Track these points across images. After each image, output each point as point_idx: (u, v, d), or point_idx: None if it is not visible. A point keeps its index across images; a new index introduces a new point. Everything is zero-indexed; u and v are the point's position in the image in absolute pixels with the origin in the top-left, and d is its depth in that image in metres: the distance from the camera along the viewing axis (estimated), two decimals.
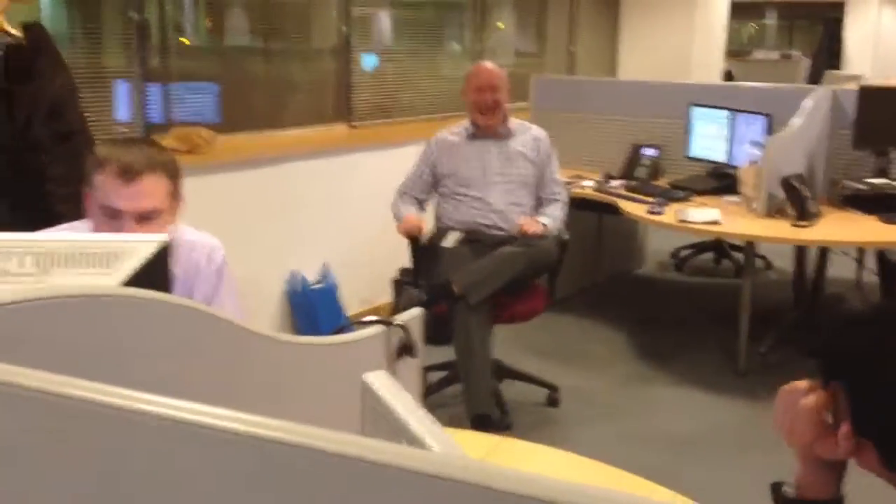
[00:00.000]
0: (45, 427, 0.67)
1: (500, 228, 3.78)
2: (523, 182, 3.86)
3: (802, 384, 1.34)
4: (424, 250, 3.82)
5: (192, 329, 1.05)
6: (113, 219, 1.86)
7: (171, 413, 0.65)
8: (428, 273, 3.71)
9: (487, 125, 3.84)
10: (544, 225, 3.75)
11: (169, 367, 1.03)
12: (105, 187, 1.86)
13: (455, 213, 3.83)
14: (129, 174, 1.85)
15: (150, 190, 1.88)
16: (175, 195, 1.96)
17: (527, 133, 3.95)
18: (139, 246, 1.10)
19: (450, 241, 3.76)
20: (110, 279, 1.05)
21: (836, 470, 1.28)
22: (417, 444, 0.79)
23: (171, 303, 1.02)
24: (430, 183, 3.94)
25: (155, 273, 1.11)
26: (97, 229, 1.89)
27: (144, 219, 1.87)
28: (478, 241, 3.73)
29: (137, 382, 0.99)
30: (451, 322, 3.51)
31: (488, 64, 3.94)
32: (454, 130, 3.95)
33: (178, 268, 1.95)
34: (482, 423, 3.40)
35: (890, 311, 1.26)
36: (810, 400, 1.29)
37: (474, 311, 3.45)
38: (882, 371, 1.17)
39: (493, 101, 3.80)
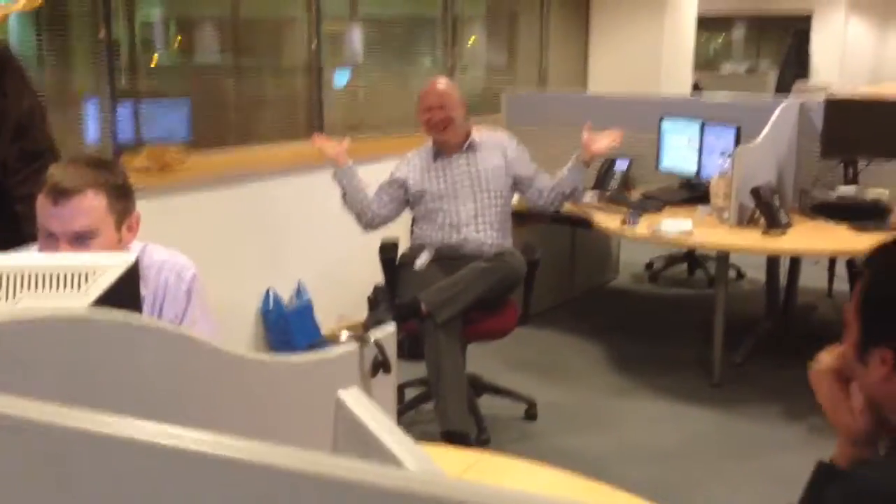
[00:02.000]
0: (13, 452, 0.66)
1: (470, 245, 3.77)
2: (497, 194, 3.85)
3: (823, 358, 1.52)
4: (397, 269, 3.81)
5: (162, 350, 1.04)
6: (49, 239, 1.84)
7: (142, 437, 0.64)
8: (401, 291, 3.69)
9: (443, 141, 3.83)
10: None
11: (139, 389, 1.02)
12: (40, 208, 1.84)
13: (428, 231, 3.82)
14: (57, 194, 1.82)
15: (81, 209, 1.83)
16: (120, 213, 1.92)
17: (490, 140, 3.92)
18: (107, 266, 1.09)
19: (420, 262, 3.75)
20: (79, 301, 1.03)
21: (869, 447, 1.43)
22: (392, 461, 0.78)
23: (140, 324, 1.01)
24: (396, 194, 3.88)
25: (124, 293, 1.10)
26: (40, 249, 1.86)
27: (78, 239, 1.83)
28: (448, 258, 3.71)
29: (107, 404, 0.98)
30: (422, 341, 3.50)
31: (440, 82, 3.89)
32: (418, 152, 3.94)
33: (146, 288, 1.93)
34: (453, 439, 3.38)
35: None
36: (824, 363, 1.51)
37: (443, 330, 3.44)
38: None
39: (441, 119, 3.78)
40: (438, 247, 3.77)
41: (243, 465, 0.59)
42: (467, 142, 3.87)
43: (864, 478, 1.23)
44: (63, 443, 0.65)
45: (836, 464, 1.44)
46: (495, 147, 3.90)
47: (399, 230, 4.02)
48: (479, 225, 3.79)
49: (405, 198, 3.89)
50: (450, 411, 3.45)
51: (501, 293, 3.67)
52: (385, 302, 3.84)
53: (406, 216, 4.03)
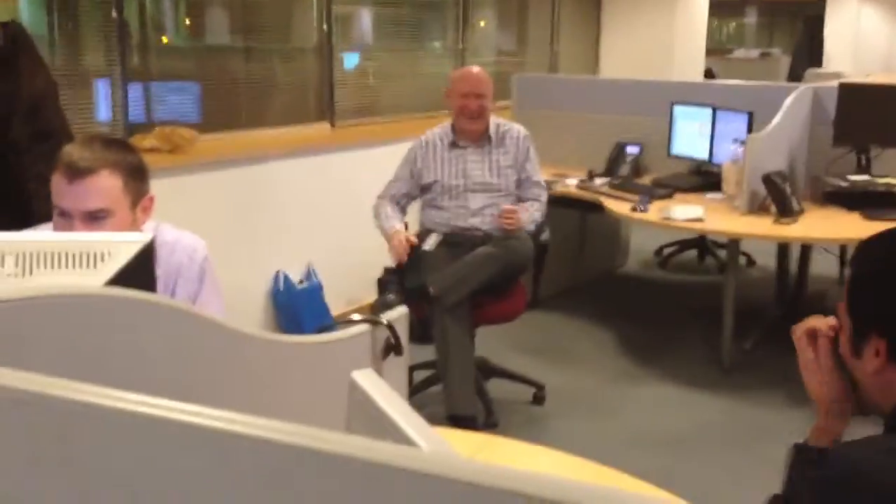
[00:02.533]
0: (29, 427, 0.66)
1: (479, 230, 3.77)
2: (507, 193, 3.84)
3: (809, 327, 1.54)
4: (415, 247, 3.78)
5: (176, 329, 1.04)
6: (62, 217, 1.84)
7: (159, 413, 0.64)
8: (409, 274, 3.69)
9: (471, 130, 3.80)
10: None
11: (153, 368, 1.02)
12: (54, 186, 1.83)
13: (436, 218, 3.81)
14: (73, 173, 1.81)
15: (97, 189, 1.83)
16: (135, 194, 1.92)
17: (506, 136, 3.88)
18: (123, 246, 1.09)
19: (429, 244, 3.74)
20: (94, 279, 1.03)
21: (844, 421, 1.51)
22: (407, 442, 0.78)
23: (155, 302, 1.01)
24: (413, 185, 3.88)
25: (139, 273, 1.10)
26: (55, 228, 1.86)
27: (92, 219, 1.83)
28: (457, 243, 3.71)
29: (121, 382, 0.98)
30: (431, 324, 3.50)
31: (475, 68, 3.87)
32: (436, 135, 3.88)
33: (159, 268, 1.93)
34: (458, 422, 3.39)
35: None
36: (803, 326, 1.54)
37: (451, 313, 3.45)
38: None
39: (478, 108, 3.75)
40: (447, 231, 3.76)
41: (256, 441, 0.59)
42: (486, 133, 3.84)
43: (848, 459, 1.25)
44: (70, 416, 0.66)
45: (812, 444, 1.51)
46: (511, 145, 3.88)
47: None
48: (485, 217, 3.78)
49: (418, 186, 3.88)
50: (456, 395, 3.46)
51: (509, 277, 3.67)
52: (394, 285, 3.84)
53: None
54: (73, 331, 0.95)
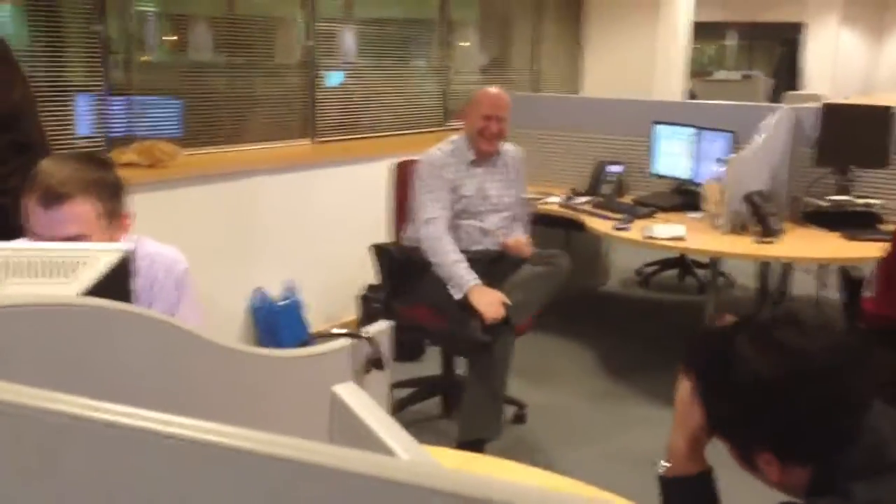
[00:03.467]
0: (10, 438, 0.64)
1: (489, 250, 3.77)
2: (511, 211, 3.85)
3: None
4: (406, 266, 3.72)
5: (154, 340, 1.02)
6: (36, 239, 1.81)
7: (144, 424, 0.63)
8: (430, 292, 3.61)
9: (489, 151, 3.76)
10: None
11: (130, 379, 1.00)
12: (29, 210, 1.80)
13: (456, 240, 3.68)
14: (48, 200, 1.78)
15: (72, 216, 1.80)
16: (111, 215, 1.89)
17: (506, 154, 3.90)
18: (100, 255, 1.07)
19: None
20: (69, 289, 1.01)
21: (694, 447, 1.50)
22: (390, 455, 0.76)
23: (131, 313, 0.99)
24: (452, 201, 3.72)
25: (116, 283, 1.08)
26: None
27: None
28: (472, 260, 3.66)
29: (97, 394, 0.96)
30: (492, 346, 3.43)
31: (496, 90, 3.80)
32: (447, 152, 3.75)
33: (138, 280, 1.90)
34: (477, 445, 3.42)
35: (744, 321, 1.39)
36: (684, 388, 1.51)
37: (511, 333, 3.47)
38: (724, 373, 1.34)
39: (499, 130, 3.72)
40: (462, 250, 3.65)
41: (240, 452, 0.57)
42: (498, 152, 3.84)
43: None
44: (53, 428, 0.64)
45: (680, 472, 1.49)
46: (511, 163, 3.90)
47: (380, 230, 3.98)
48: (496, 238, 3.78)
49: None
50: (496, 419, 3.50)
51: (555, 294, 3.69)
52: (380, 301, 3.80)
53: (384, 216, 3.97)
54: (49, 341, 0.93)
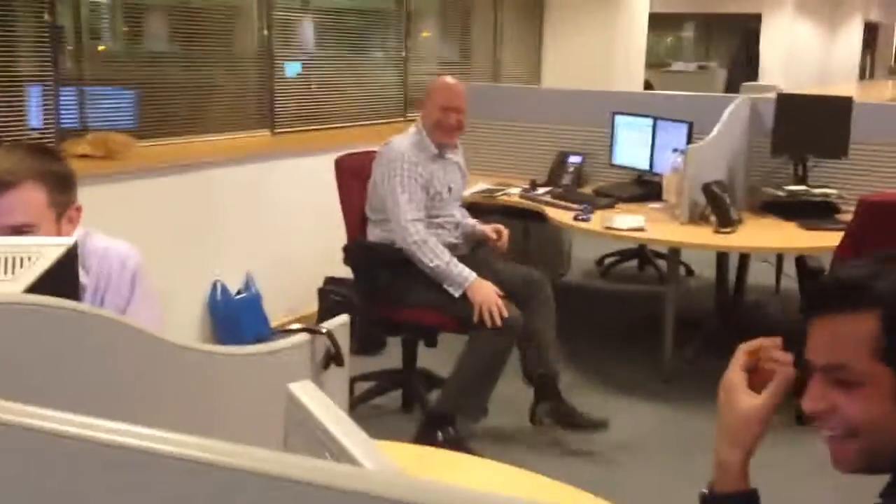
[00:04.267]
0: None
1: (463, 243, 3.76)
2: (459, 194, 3.84)
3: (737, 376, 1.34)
4: (399, 269, 3.58)
5: (102, 339, 0.99)
6: None
7: (77, 432, 0.60)
8: (417, 292, 3.55)
9: (447, 143, 3.69)
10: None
11: (78, 380, 0.96)
12: None
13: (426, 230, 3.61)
14: None
15: (21, 203, 1.75)
16: (61, 206, 1.84)
17: (458, 150, 3.88)
18: (44, 250, 1.03)
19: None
20: (13, 286, 0.98)
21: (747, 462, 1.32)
22: (345, 457, 0.74)
23: (78, 311, 0.96)
24: (425, 199, 3.65)
25: (61, 279, 1.04)
26: None
27: (15, 234, 1.74)
28: (457, 255, 3.59)
29: (43, 397, 0.93)
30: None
31: (452, 80, 3.73)
32: (407, 145, 3.64)
33: (89, 276, 1.86)
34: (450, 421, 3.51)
35: None
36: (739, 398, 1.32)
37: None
38: None
39: (457, 122, 3.65)
40: (446, 247, 3.59)
41: (195, 462, 0.55)
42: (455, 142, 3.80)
43: None
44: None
45: (724, 488, 1.33)
46: (461, 153, 3.88)
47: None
48: (463, 230, 3.77)
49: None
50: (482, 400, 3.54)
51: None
52: (342, 295, 3.77)
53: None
54: None
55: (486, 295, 3.39)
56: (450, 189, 3.73)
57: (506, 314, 3.37)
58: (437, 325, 3.63)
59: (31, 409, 0.63)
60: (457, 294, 3.43)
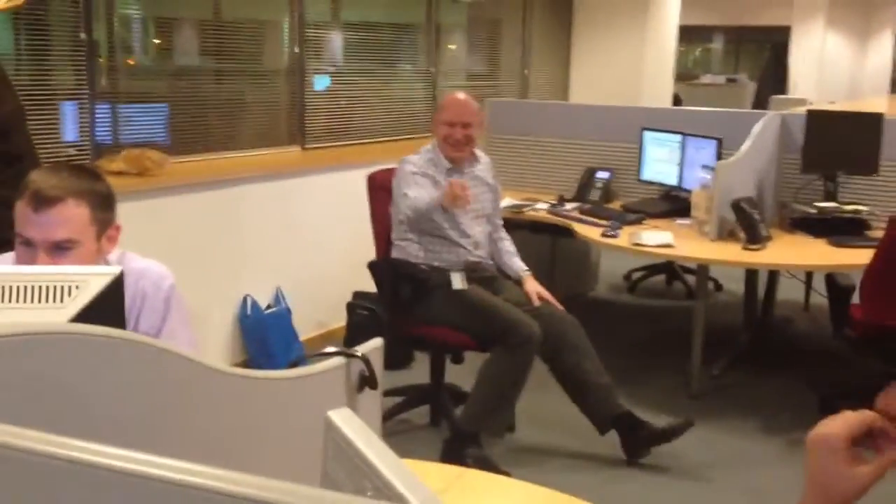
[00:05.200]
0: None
1: (488, 262, 3.78)
2: (485, 211, 3.83)
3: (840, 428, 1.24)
4: (425, 290, 3.63)
5: (146, 366, 1.01)
6: (26, 247, 1.79)
7: (121, 465, 0.62)
8: (445, 312, 3.59)
9: (456, 158, 3.72)
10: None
11: (121, 407, 0.99)
12: (19, 215, 1.79)
13: (448, 255, 3.67)
14: (39, 202, 1.76)
15: (64, 219, 1.79)
16: (102, 224, 1.88)
17: (484, 164, 3.88)
18: (91, 279, 1.06)
19: (458, 282, 3.62)
20: (60, 314, 1.00)
21: None
22: (387, 487, 0.76)
23: (124, 339, 0.98)
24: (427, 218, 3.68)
25: (107, 307, 1.07)
26: (17, 259, 1.82)
27: (57, 249, 1.79)
28: (482, 279, 3.65)
29: (90, 425, 0.95)
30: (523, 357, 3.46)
31: (461, 95, 3.77)
32: (422, 160, 3.70)
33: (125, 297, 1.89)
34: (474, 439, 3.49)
35: None
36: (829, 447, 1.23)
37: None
38: None
39: (463, 137, 3.67)
40: (465, 268, 3.63)
41: (239, 498, 0.56)
42: (473, 155, 3.81)
43: None
44: (38, 470, 0.63)
45: None
46: (487, 169, 3.88)
47: (368, 238, 3.95)
48: (487, 248, 3.78)
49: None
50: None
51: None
52: (368, 310, 3.79)
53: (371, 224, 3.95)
54: (36, 369, 0.92)
55: (453, 188, 3.34)
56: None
57: (469, 201, 3.39)
58: (457, 343, 3.65)
59: (78, 442, 0.65)
60: (435, 209, 3.46)
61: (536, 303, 3.68)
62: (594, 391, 3.61)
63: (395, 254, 3.74)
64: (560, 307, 3.74)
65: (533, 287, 3.76)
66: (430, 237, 3.70)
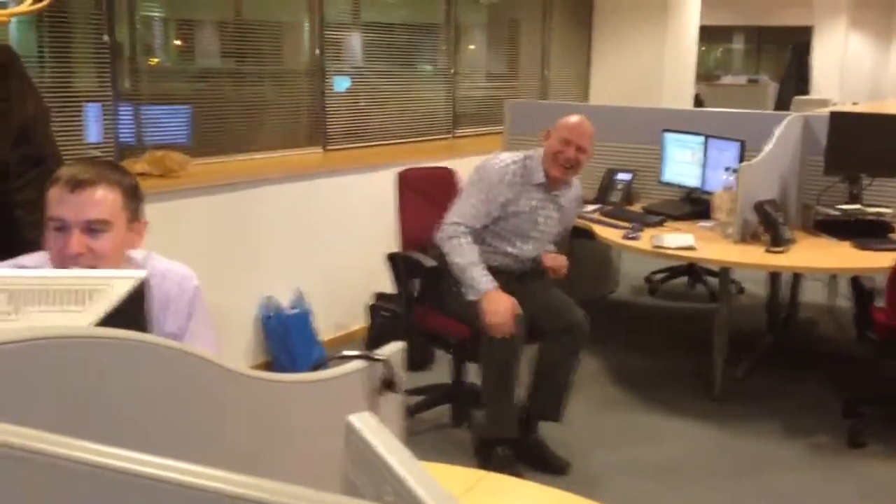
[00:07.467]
0: (12, 483, 0.64)
1: (514, 268, 3.76)
2: (549, 237, 3.80)
3: None
4: (420, 271, 3.64)
5: (171, 370, 1.01)
6: (59, 231, 1.80)
7: (149, 471, 0.62)
8: (452, 305, 3.57)
9: (558, 178, 3.64)
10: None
11: (144, 411, 0.99)
12: (53, 198, 1.81)
13: (484, 256, 3.57)
14: (76, 183, 1.80)
15: (100, 199, 1.82)
16: (132, 214, 1.91)
17: (574, 188, 3.84)
18: (115, 282, 1.06)
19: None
20: (84, 318, 1.01)
21: None
22: (407, 493, 0.76)
23: (146, 342, 0.99)
24: (493, 218, 3.64)
25: (132, 311, 1.07)
26: (48, 245, 1.83)
27: (91, 230, 1.81)
28: (501, 273, 3.59)
29: (111, 427, 0.96)
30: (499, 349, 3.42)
31: (584, 120, 3.68)
32: (513, 165, 3.63)
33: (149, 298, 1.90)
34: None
35: None
36: None
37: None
38: None
39: (574, 158, 3.60)
40: (492, 268, 3.56)
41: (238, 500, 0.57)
42: (568, 182, 3.76)
43: None
44: (60, 473, 0.63)
45: None
46: (574, 199, 3.87)
47: (390, 239, 3.96)
48: (526, 263, 3.75)
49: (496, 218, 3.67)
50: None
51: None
52: (389, 311, 3.80)
53: (393, 224, 3.95)
54: (61, 373, 0.92)
55: (498, 308, 3.34)
56: (536, 222, 3.68)
57: (512, 331, 3.34)
58: (463, 337, 3.61)
59: (101, 447, 0.65)
60: (470, 297, 3.41)
61: (551, 265, 3.72)
62: (547, 392, 3.64)
63: (439, 235, 3.60)
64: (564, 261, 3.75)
65: (549, 256, 3.77)
66: (485, 235, 3.66)
